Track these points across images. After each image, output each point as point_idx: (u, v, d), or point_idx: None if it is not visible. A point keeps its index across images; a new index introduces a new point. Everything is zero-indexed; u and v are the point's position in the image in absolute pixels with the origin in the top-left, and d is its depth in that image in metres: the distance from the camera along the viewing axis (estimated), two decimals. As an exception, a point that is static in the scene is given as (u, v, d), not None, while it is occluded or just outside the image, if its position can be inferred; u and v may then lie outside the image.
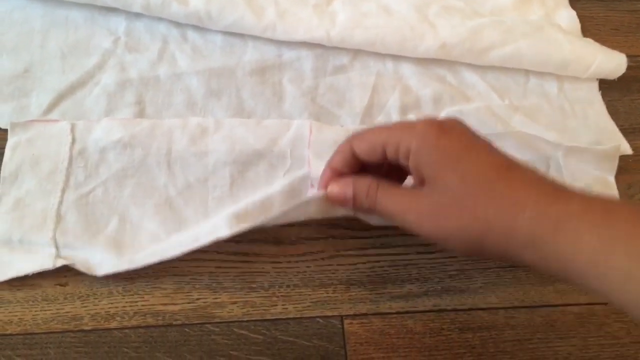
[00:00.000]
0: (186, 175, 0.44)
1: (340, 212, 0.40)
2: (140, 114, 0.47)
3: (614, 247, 0.28)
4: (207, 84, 0.49)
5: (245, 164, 0.45)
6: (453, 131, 0.34)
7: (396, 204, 0.35)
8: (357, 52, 0.52)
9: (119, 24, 0.52)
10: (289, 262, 0.43)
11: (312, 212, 0.40)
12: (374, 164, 0.38)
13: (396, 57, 0.52)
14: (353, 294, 0.42)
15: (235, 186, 0.44)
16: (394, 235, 0.44)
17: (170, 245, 0.41)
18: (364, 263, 0.43)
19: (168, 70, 0.50)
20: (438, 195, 0.33)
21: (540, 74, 0.53)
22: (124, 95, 0.48)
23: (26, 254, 0.41)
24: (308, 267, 0.43)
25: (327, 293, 0.42)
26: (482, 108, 0.50)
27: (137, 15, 0.51)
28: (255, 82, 0.50)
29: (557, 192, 0.31)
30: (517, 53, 0.51)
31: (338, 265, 0.43)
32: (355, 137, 0.38)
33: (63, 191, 0.43)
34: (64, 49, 0.50)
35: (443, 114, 0.50)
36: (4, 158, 0.44)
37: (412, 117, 0.50)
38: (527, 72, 0.53)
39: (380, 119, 0.50)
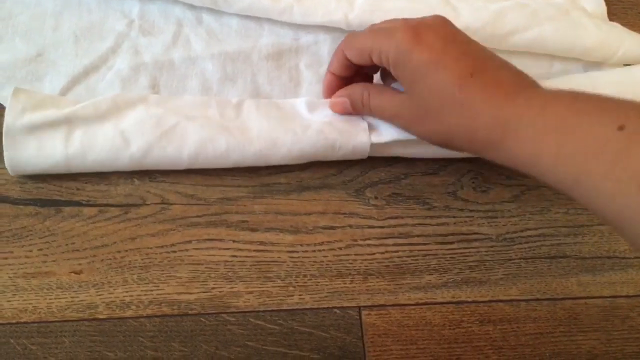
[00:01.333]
0: None
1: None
2: (155, 98, 0.46)
3: (544, 139, 0.31)
4: (223, 68, 0.48)
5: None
6: (428, 37, 0.36)
7: (386, 109, 0.40)
8: (375, 36, 0.51)
9: (133, 6, 0.51)
10: (306, 251, 0.42)
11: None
12: (369, 67, 0.42)
13: (416, 41, 0.50)
14: (371, 284, 0.41)
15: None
16: (412, 225, 0.43)
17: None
18: (382, 253, 0.42)
19: (183, 54, 0.49)
20: (414, 104, 0.37)
21: (565, 59, 0.51)
22: (138, 79, 0.47)
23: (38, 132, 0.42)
24: (325, 256, 0.42)
25: (345, 283, 0.41)
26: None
27: (151, -3, 0.50)
28: (272, 66, 0.49)
29: (514, 93, 0.34)
30: (541, 37, 0.49)
31: (356, 255, 0.42)
32: (346, 42, 0.41)
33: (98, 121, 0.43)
34: (77, 32, 0.49)
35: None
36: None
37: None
38: (551, 57, 0.51)
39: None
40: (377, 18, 0.48)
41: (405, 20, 0.38)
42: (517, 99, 0.33)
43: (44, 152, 0.42)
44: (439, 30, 0.37)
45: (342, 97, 0.43)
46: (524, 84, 0.35)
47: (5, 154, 0.41)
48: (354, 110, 0.42)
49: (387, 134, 0.42)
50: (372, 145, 0.43)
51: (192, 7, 0.50)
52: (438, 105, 0.36)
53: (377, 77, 0.45)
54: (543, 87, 0.35)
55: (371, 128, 0.43)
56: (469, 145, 0.36)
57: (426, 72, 0.35)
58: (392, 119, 0.41)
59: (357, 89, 0.42)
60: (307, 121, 0.44)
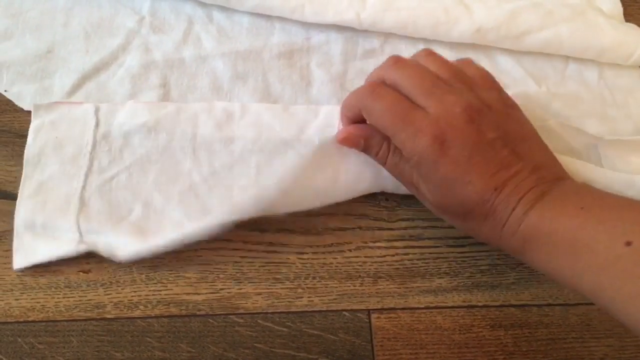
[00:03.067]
0: (211, 162, 0.43)
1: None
2: (165, 97, 0.46)
3: (558, 255, 0.33)
4: (233, 66, 0.48)
5: (272, 153, 0.43)
6: (453, 147, 0.35)
7: (404, 175, 0.39)
8: (388, 36, 0.50)
9: (144, 2, 0.50)
10: (315, 253, 0.42)
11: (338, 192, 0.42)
12: None
13: (429, 41, 0.50)
14: (381, 287, 0.41)
15: (262, 175, 0.43)
16: (423, 228, 0.43)
17: (194, 230, 0.40)
18: (392, 256, 0.42)
19: (193, 52, 0.48)
20: (437, 195, 0.37)
21: (580, 60, 0.50)
22: (148, 78, 0.47)
23: (49, 239, 0.40)
24: (335, 258, 0.41)
25: (354, 286, 0.41)
26: (518, 95, 0.48)
27: (162, -7, 0.50)
28: (283, 65, 0.49)
29: (532, 203, 0.34)
30: (556, 38, 0.49)
31: (366, 257, 0.42)
32: (362, 105, 0.39)
33: (86, 175, 0.42)
34: (88, 29, 0.49)
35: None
36: (27, 140, 0.43)
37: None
38: (566, 58, 0.51)
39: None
40: (389, 17, 0.48)
41: (430, 120, 0.35)
42: (532, 213, 0.34)
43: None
44: (465, 134, 0.35)
45: (357, 134, 0.40)
46: (542, 188, 0.35)
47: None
48: (365, 152, 0.41)
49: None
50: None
51: (203, 4, 0.50)
52: (462, 210, 0.36)
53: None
54: (563, 182, 0.36)
55: None
56: (493, 242, 0.37)
57: (452, 184, 0.35)
58: (408, 186, 0.40)
59: (377, 137, 0.39)
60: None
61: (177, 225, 0.41)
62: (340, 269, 0.41)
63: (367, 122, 0.39)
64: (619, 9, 0.54)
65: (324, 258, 0.41)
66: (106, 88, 0.46)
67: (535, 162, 0.36)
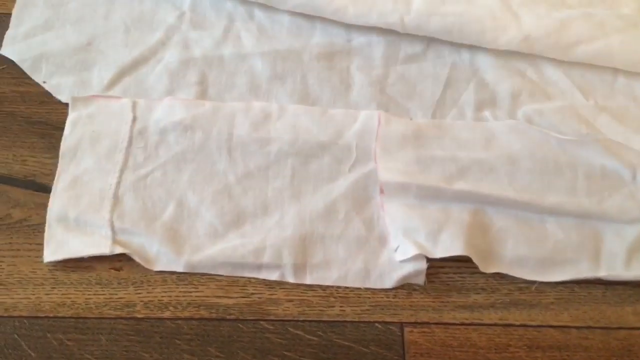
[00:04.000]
0: (246, 163, 0.43)
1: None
2: (202, 94, 0.46)
3: None
4: (272, 66, 0.47)
5: (308, 156, 0.43)
6: None
7: None
8: (431, 41, 0.49)
9: (184, -2, 0.50)
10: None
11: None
12: None
13: (473, 48, 0.49)
14: (415, 300, 0.40)
15: (297, 178, 0.42)
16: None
17: (229, 260, 0.40)
18: (428, 268, 0.40)
19: (233, 50, 0.48)
20: None
21: (630, 74, 0.49)
22: (186, 75, 0.47)
23: (82, 235, 0.40)
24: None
25: (388, 297, 0.40)
26: (564, 107, 0.47)
27: (204, -11, 0.49)
28: (322, 67, 0.48)
29: None
30: (607, 50, 0.47)
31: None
32: None
33: (121, 171, 0.42)
34: (128, 22, 0.49)
35: (520, 112, 0.46)
36: (64, 132, 0.43)
37: (487, 114, 0.46)
38: (615, 71, 0.49)
39: (453, 114, 0.47)
40: (434, 22, 0.47)
41: None
42: None
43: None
44: None
45: None
46: None
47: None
48: None
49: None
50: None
51: (244, 1, 0.49)
52: None
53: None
54: None
55: None
56: None
57: None
58: None
59: None
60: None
61: (210, 231, 0.40)
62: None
63: None
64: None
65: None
66: (144, 83, 0.46)
67: None
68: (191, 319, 0.38)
